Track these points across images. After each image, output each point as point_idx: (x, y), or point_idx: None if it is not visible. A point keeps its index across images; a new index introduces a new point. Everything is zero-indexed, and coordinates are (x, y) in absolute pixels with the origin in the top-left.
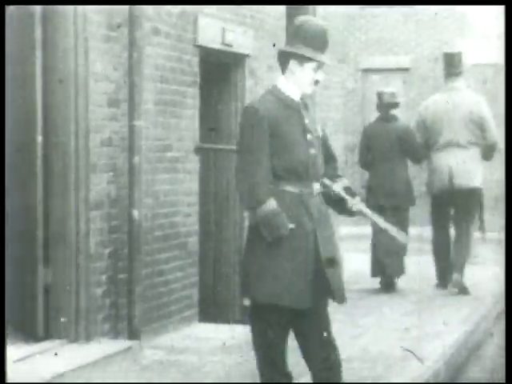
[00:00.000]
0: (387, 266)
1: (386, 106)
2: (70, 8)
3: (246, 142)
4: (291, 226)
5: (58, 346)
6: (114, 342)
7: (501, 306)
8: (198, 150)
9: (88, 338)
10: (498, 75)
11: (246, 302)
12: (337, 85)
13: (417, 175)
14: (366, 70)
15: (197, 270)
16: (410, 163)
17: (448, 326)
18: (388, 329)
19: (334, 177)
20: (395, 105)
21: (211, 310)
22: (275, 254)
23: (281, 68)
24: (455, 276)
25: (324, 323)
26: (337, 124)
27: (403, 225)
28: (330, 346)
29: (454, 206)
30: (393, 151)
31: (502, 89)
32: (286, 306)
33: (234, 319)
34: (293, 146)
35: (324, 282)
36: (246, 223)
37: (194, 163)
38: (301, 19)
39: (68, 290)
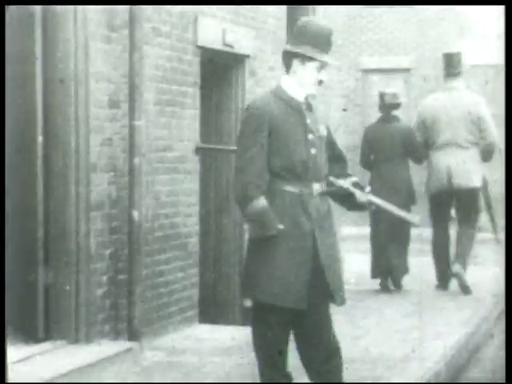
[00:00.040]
0: (394, 266)
1: (387, 106)
2: (70, 8)
3: (243, 140)
4: (280, 226)
5: (58, 346)
6: (114, 343)
7: (501, 306)
8: (199, 151)
9: (88, 339)
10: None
11: (247, 303)
12: (337, 85)
13: (417, 175)
14: (367, 71)
15: (197, 270)
16: (410, 163)
17: (449, 326)
18: (388, 330)
19: (343, 175)
20: (397, 105)
21: (211, 310)
22: (273, 253)
23: (285, 68)
24: (457, 267)
25: (325, 325)
26: (337, 124)
27: (405, 224)
28: (330, 348)
29: (455, 207)
30: (394, 151)
31: (502, 89)
32: (282, 305)
33: (234, 320)
34: (293, 145)
35: (323, 283)
36: (246, 224)
37: (194, 163)
38: (305, 19)
39: (68, 290)
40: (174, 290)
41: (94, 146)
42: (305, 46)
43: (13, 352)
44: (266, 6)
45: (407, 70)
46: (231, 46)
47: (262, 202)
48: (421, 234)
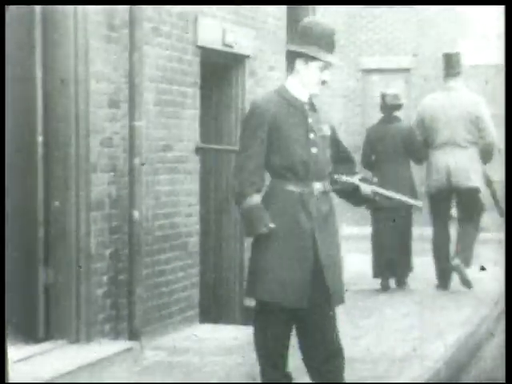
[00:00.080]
0: (399, 264)
1: (389, 107)
2: (70, 8)
3: (244, 137)
4: (271, 225)
5: (59, 346)
6: (115, 343)
7: (501, 306)
8: (199, 151)
9: (88, 338)
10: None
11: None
12: (338, 85)
13: (417, 174)
14: (367, 71)
15: (197, 270)
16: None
17: (449, 326)
18: (389, 329)
19: (350, 174)
20: (398, 106)
21: (212, 310)
22: (273, 252)
23: (289, 68)
24: (456, 261)
25: (327, 325)
26: (338, 124)
27: (407, 224)
28: (332, 348)
29: (456, 206)
30: (396, 152)
31: (502, 89)
32: (282, 304)
33: (234, 320)
34: (293, 144)
35: (322, 282)
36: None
37: (194, 163)
38: (308, 20)
39: (68, 290)
40: (175, 289)
41: (94, 146)
42: (308, 45)
43: (13, 352)
44: (265, 6)
45: (407, 70)
46: (231, 46)
47: (254, 199)
48: (421, 234)
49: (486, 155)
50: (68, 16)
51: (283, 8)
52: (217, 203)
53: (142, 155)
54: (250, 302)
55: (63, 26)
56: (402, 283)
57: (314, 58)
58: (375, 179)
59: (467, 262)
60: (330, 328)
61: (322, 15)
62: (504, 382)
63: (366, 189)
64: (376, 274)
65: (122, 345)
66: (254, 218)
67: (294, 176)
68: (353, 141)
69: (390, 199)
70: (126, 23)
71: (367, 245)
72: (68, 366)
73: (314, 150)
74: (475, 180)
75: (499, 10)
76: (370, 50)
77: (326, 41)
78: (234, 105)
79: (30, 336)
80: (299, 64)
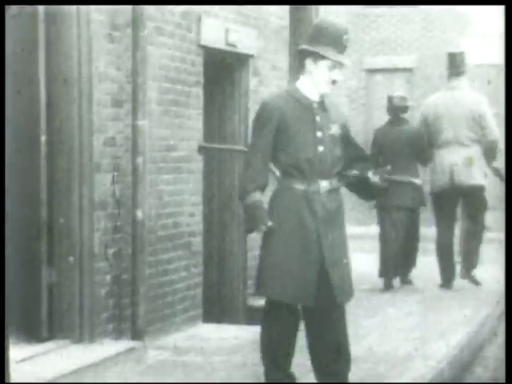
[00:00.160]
0: (404, 264)
1: (396, 109)
2: (73, 8)
3: (252, 135)
4: (270, 223)
5: (62, 346)
6: (118, 343)
7: (503, 305)
8: (202, 150)
9: (91, 338)
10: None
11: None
12: (341, 85)
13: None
14: (370, 70)
15: (201, 269)
16: None
17: (452, 325)
18: (392, 329)
19: (365, 171)
20: (405, 108)
21: (215, 310)
22: (277, 250)
23: (300, 68)
24: (463, 272)
25: (335, 325)
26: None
27: (415, 225)
28: (339, 350)
29: (460, 205)
30: (403, 153)
31: (504, 89)
32: (288, 302)
33: (238, 319)
34: (299, 142)
35: (328, 281)
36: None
37: (197, 163)
38: (320, 19)
39: (71, 290)
40: (178, 289)
41: (98, 145)
42: (317, 45)
43: (16, 351)
44: (268, 5)
45: (410, 70)
46: (234, 46)
47: (255, 196)
48: (425, 234)
49: (489, 153)
50: (71, 16)
51: (286, 8)
52: (220, 203)
53: (145, 155)
54: (254, 302)
55: (66, 26)
56: (406, 281)
57: (323, 57)
58: (388, 167)
59: (473, 266)
60: (340, 328)
61: (324, 15)
62: (504, 382)
63: (375, 178)
64: (381, 274)
65: (125, 344)
66: (253, 215)
67: (300, 174)
68: (356, 140)
69: (400, 182)
70: (128, 23)
71: (371, 244)
72: (71, 365)
73: (320, 149)
74: (479, 178)
75: (500, 10)
76: (373, 49)
77: (335, 40)
78: (237, 104)
79: (33, 336)
80: (309, 63)
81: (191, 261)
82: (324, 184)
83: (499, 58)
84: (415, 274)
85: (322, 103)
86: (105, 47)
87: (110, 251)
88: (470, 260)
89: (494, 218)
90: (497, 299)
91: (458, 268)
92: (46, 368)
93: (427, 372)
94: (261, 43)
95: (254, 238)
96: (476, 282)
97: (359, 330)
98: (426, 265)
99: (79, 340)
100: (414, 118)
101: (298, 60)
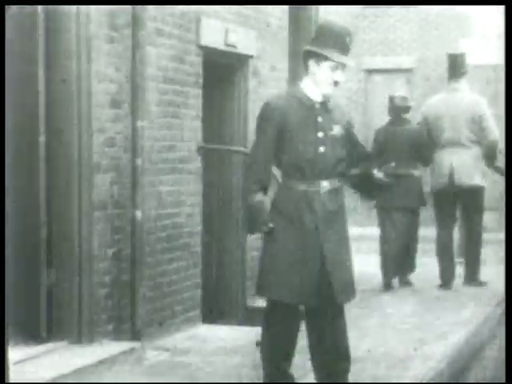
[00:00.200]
0: (404, 264)
1: (397, 109)
2: (72, 8)
3: (255, 134)
4: (271, 224)
5: (61, 347)
6: (117, 343)
7: (503, 306)
8: (201, 151)
9: (91, 339)
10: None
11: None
12: (340, 85)
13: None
14: (369, 71)
15: (200, 270)
16: None
17: (451, 326)
18: (391, 329)
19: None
20: (407, 108)
21: (214, 310)
22: (278, 250)
23: (304, 68)
24: (468, 275)
25: (336, 325)
26: None
27: (414, 225)
28: (339, 351)
29: (459, 206)
30: (404, 153)
31: (503, 89)
32: (288, 302)
33: (237, 320)
34: (300, 143)
35: (328, 282)
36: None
37: (196, 164)
38: (324, 20)
39: (71, 291)
40: (177, 290)
41: (97, 146)
42: (321, 46)
43: (15, 352)
44: (268, 6)
45: (409, 71)
46: (234, 46)
47: (257, 197)
48: (425, 234)
49: (489, 153)
50: (70, 16)
51: (286, 8)
52: (219, 203)
53: (144, 155)
54: (253, 302)
55: (66, 26)
56: (404, 281)
57: (326, 58)
58: (392, 164)
59: (476, 272)
60: (340, 328)
61: (324, 16)
62: (504, 382)
63: (378, 174)
64: (387, 274)
65: (124, 345)
66: (255, 216)
67: (301, 174)
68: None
69: (406, 175)
70: (128, 23)
71: (369, 245)
72: (70, 366)
73: (321, 149)
74: (478, 179)
75: (499, 10)
76: (373, 50)
77: (338, 41)
78: (236, 105)
79: (33, 336)
80: (312, 64)
81: (190, 262)
82: (324, 184)
83: (499, 58)
84: (415, 274)
85: (324, 104)
86: (104, 48)
87: (110, 252)
88: (473, 266)
89: (494, 219)
90: (497, 300)
91: (458, 268)
92: (45, 369)
93: (427, 372)
94: (260, 44)
95: (254, 239)
96: (481, 284)
97: (358, 330)
98: (426, 265)
99: (78, 341)
100: (414, 119)
101: (302, 61)
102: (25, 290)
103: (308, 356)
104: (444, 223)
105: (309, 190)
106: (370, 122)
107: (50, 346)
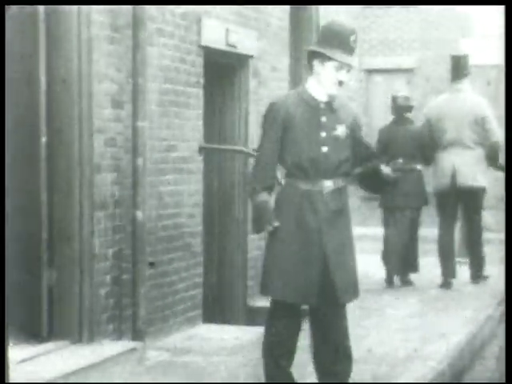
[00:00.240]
0: (405, 263)
1: (400, 109)
2: (73, 8)
3: (261, 135)
4: (276, 223)
5: (62, 346)
6: (118, 343)
7: (503, 306)
8: (202, 151)
9: (92, 338)
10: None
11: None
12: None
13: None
14: (370, 71)
15: (201, 270)
16: None
17: (452, 326)
18: (391, 330)
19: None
20: (409, 108)
21: (215, 310)
22: (280, 250)
23: (309, 68)
24: (473, 273)
25: (339, 325)
26: None
27: (414, 224)
28: (340, 351)
29: (460, 206)
30: (407, 152)
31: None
32: (291, 301)
33: (238, 320)
34: (303, 142)
35: (331, 282)
36: (250, 224)
37: (197, 164)
38: (328, 21)
39: (72, 290)
40: (178, 289)
41: (98, 146)
42: (325, 46)
43: (16, 352)
44: (269, 6)
45: (410, 71)
46: (234, 47)
47: (263, 197)
48: (426, 235)
49: (492, 155)
50: (71, 16)
51: (286, 8)
52: (220, 203)
53: (145, 155)
54: (254, 302)
55: (66, 27)
56: (405, 281)
57: (329, 58)
58: (400, 160)
59: (481, 270)
60: (342, 328)
61: (324, 16)
62: (504, 382)
63: (386, 169)
64: (392, 273)
65: (125, 345)
66: (260, 215)
67: (303, 174)
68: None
69: (410, 170)
70: (129, 24)
71: (370, 245)
72: (71, 366)
73: (324, 149)
74: (481, 180)
75: (500, 10)
76: (373, 50)
77: (342, 41)
78: (237, 105)
79: (34, 336)
80: (316, 64)
81: (191, 262)
82: (327, 184)
83: (499, 58)
84: (416, 274)
85: (329, 104)
86: (105, 48)
87: (110, 252)
88: (477, 264)
89: (494, 218)
90: (497, 300)
91: (459, 268)
92: (46, 368)
93: (427, 373)
94: (261, 44)
95: (254, 239)
96: (484, 278)
97: (359, 330)
98: (426, 265)
99: (79, 340)
100: (414, 118)
101: (307, 61)
102: (26, 290)
103: (308, 356)
104: (446, 223)
105: (312, 189)
106: (371, 121)
107: (50, 345)
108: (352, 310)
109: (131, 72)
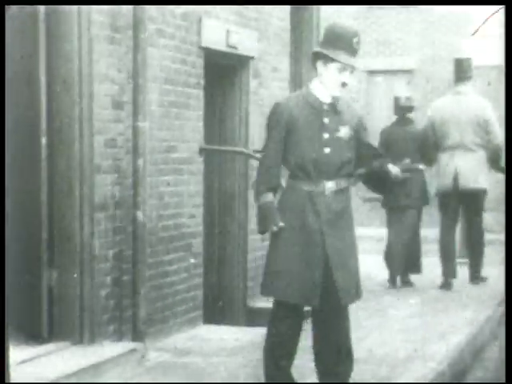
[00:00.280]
0: (407, 263)
1: (402, 109)
2: (74, 9)
3: (266, 136)
4: (281, 224)
5: (62, 347)
6: (118, 344)
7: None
8: (203, 151)
9: (92, 339)
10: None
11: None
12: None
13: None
14: (371, 72)
15: (201, 271)
16: None
17: (452, 327)
18: (392, 330)
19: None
20: (411, 108)
21: (216, 311)
22: (282, 251)
23: (313, 70)
24: (472, 274)
25: (341, 326)
26: None
27: (417, 224)
28: (342, 352)
29: (461, 208)
30: (409, 152)
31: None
32: (292, 302)
33: (238, 321)
34: (305, 143)
35: (332, 283)
36: (250, 225)
37: (198, 164)
38: (331, 23)
39: (72, 291)
40: (178, 290)
41: (98, 147)
42: (329, 47)
43: (17, 353)
44: (269, 6)
45: (410, 71)
46: (235, 48)
47: (267, 197)
48: (427, 235)
49: (494, 157)
50: (72, 16)
51: (287, 9)
52: (221, 204)
53: (145, 156)
54: (254, 303)
55: (67, 27)
56: (405, 281)
57: (332, 60)
58: (407, 160)
59: (479, 271)
60: (343, 329)
61: (325, 16)
62: (504, 382)
63: (393, 169)
64: (395, 273)
65: (125, 346)
66: (265, 215)
67: (306, 175)
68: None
69: (417, 170)
70: (129, 24)
71: (371, 245)
72: (72, 367)
73: (326, 150)
74: (482, 182)
75: (499, 10)
76: (374, 51)
77: (345, 43)
78: (237, 106)
79: (34, 337)
80: (320, 66)
81: (192, 262)
82: (330, 185)
83: (499, 58)
84: (416, 275)
85: (333, 105)
86: (105, 49)
87: (111, 252)
88: (476, 265)
89: (495, 220)
90: (497, 301)
91: (459, 269)
92: (46, 369)
93: (427, 373)
94: (261, 45)
95: (255, 240)
96: (483, 279)
97: (359, 331)
98: (427, 266)
99: (80, 341)
100: (415, 119)
101: (311, 62)
102: (26, 291)
103: (308, 356)
104: (447, 224)
105: (314, 190)
106: (372, 122)
107: (51, 346)
108: (354, 311)
109: (131, 73)
